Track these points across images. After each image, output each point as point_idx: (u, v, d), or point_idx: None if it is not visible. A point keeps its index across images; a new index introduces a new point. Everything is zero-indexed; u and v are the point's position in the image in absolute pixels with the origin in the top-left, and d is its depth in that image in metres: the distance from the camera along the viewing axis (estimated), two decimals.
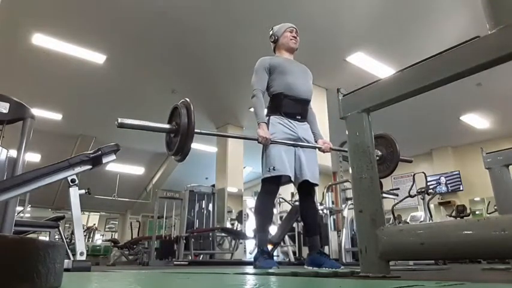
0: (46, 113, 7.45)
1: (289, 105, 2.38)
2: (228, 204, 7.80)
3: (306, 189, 2.41)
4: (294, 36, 2.58)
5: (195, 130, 1.59)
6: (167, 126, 1.66)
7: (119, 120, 1.49)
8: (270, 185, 2.31)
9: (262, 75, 2.44)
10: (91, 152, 2.10)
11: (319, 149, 2.42)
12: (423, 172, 5.89)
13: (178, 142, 1.58)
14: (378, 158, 2.21)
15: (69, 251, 2.65)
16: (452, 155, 9.99)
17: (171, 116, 1.70)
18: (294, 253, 5.56)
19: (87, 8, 4.70)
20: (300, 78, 2.48)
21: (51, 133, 8.45)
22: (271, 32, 2.64)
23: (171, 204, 6.63)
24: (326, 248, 4.82)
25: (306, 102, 2.47)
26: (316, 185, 2.42)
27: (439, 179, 9.71)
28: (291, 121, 2.37)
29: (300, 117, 2.43)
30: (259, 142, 2.23)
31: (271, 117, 2.39)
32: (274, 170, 2.25)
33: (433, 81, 1.00)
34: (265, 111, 2.44)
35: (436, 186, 8.67)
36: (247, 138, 2.48)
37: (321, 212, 4.97)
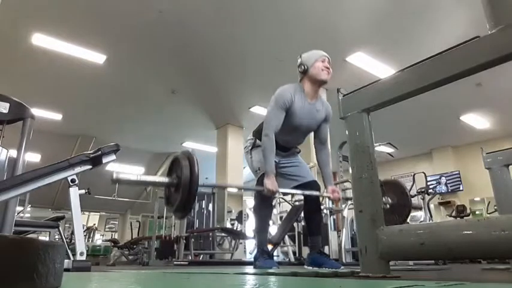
0: (46, 113, 7.45)
1: (278, 148, 2.35)
2: (228, 204, 7.80)
3: (310, 189, 2.42)
4: (326, 67, 2.31)
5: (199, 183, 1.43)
6: (167, 180, 1.48)
7: (114, 175, 1.39)
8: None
9: (281, 113, 2.24)
10: (91, 152, 2.10)
11: (328, 198, 2.40)
12: (423, 172, 5.89)
13: (180, 198, 1.40)
14: (388, 206, 2.15)
15: (69, 251, 2.64)
16: (452, 155, 9.99)
17: (171, 168, 1.53)
18: (294, 253, 5.56)
19: (87, 8, 4.70)
20: (302, 129, 2.38)
21: (51, 133, 8.45)
22: (299, 61, 2.37)
23: None
24: (326, 248, 4.82)
25: (291, 147, 2.48)
26: (317, 184, 2.44)
27: (440, 178, 9.71)
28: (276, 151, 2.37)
29: (284, 153, 2.45)
30: (264, 194, 2.20)
31: (258, 142, 2.40)
32: (259, 170, 2.31)
33: (433, 81, 1.00)
34: (250, 137, 2.49)
35: (435, 186, 8.68)
36: (254, 189, 2.40)
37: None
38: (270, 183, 2.17)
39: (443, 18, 4.94)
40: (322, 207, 4.98)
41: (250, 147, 2.46)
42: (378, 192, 1.14)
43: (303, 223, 5.22)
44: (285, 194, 2.58)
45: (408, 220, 6.25)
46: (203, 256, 6.35)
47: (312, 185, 2.42)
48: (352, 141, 1.19)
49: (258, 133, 2.41)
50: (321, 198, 2.51)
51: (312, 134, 2.52)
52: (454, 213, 7.23)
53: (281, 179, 2.41)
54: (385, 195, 2.09)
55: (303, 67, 2.32)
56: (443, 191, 9.54)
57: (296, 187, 2.46)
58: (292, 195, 6.11)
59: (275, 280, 1.08)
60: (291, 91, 2.28)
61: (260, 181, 2.28)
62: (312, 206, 2.44)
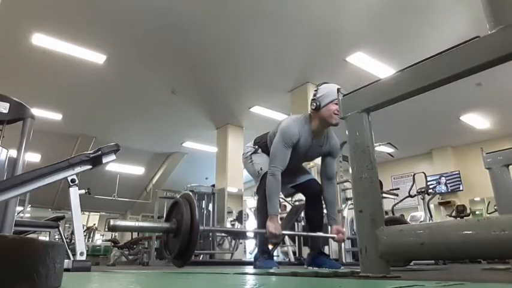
0: (46, 113, 7.46)
1: None
2: (228, 205, 7.80)
3: (312, 189, 2.42)
4: (338, 111, 2.33)
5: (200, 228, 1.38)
6: (166, 225, 1.43)
7: (111, 222, 1.35)
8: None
9: (287, 152, 2.21)
10: (91, 152, 2.10)
11: (333, 238, 2.35)
12: (423, 172, 5.89)
13: (180, 245, 1.35)
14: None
15: (69, 251, 2.64)
16: (452, 155, 9.99)
17: (170, 212, 1.49)
18: (294, 253, 5.56)
19: (87, 8, 4.70)
20: (300, 160, 2.38)
21: (51, 133, 8.45)
22: (315, 93, 2.29)
23: None
24: (326, 248, 4.81)
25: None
26: (317, 183, 2.45)
27: (439, 178, 9.71)
28: None
29: None
30: (266, 237, 2.17)
31: (260, 151, 2.41)
32: (261, 170, 2.31)
33: (433, 81, 1.00)
34: (251, 144, 2.50)
35: (435, 186, 8.68)
36: (256, 231, 2.35)
37: None
38: (273, 226, 2.10)
39: (443, 18, 4.94)
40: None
41: (250, 153, 2.45)
42: (378, 192, 1.14)
43: (303, 223, 5.22)
44: (285, 194, 2.55)
45: (408, 220, 6.25)
46: (203, 256, 6.35)
47: (311, 183, 2.42)
48: (352, 141, 1.19)
49: (261, 144, 2.42)
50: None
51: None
52: (454, 213, 7.23)
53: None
54: None
55: (315, 104, 2.23)
56: (443, 191, 9.54)
57: (295, 186, 2.46)
58: (292, 195, 6.11)
59: (275, 280, 1.08)
60: (298, 128, 2.23)
61: (262, 185, 2.27)
62: (313, 205, 2.44)
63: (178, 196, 1.44)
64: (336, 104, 2.21)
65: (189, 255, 1.36)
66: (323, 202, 2.43)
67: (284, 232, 2.15)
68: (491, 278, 1.47)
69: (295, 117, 2.30)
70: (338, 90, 1.30)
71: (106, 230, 13.09)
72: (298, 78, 6.36)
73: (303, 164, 2.54)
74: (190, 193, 1.43)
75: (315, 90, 2.30)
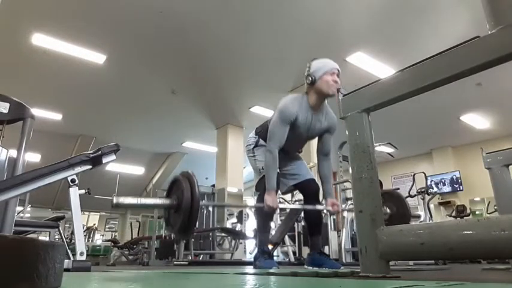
0: (46, 113, 7.46)
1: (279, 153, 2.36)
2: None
3: (310, 189, 2.42)
4: (335, 81, 2.20)
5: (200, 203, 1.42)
6: (167, 201, 1.47)
7: (114, 200, 1.40)
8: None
9: (285, 129, 2.21)
10: (91, 152, 2.10)
11: (328, 211, 2.39)
12: (423, 172, 5.89)
13: (181, 220, 1.40)
14: (386, 216, 2.15)
15: (69, 251, 2.65)
16: (452, 155, 9.99)
17: (170, 189, 1.53)
18: (294, 253, 5.56)
19: (87, 8, 4.70)
20: (301, 140, 2.39)
21: (51, 133, 8.45)
22: (308, 70, 2.27)
23: None
24: (326, 248, 4.82)
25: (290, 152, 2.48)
26: (315, 183, 2.45)
27: (442, 179, 9.71)
28: None
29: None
30: (265, 210, 2.20)
31: (261, 141, 2.41)
32: (263, 169, 2.31)
33: (433, 81, 1.00)
34: (253, 133, 2.49)
35: (439, 187, 8.69)
36: (254, 206, 2.40)
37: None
38: (271, 199, 2.15)
39: (443, 18, 4.94)
40: (322, 207, 5.01)
41: (252, 146, 2.45)
42: (378, 192, 1.14)
43: (303, 223, 5.22)
44: (283, 191, 2.55)
45: None
46: (203, 256, 6.35)
47: (311, 183, 2.42)
48: (352, 141, 1.19)
49: (262, 133, 2.41)
50: (321, 198, 2.51)
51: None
52: (454, 213, 7.23)
53: (280, 178, 2.42)
54: (384, 205, 2.09)
55: (310, 78, 2.22)
56: (446, 191, 9.54)
57: (294, 186, 2.46)
58: (292, 194, 6.12)
59: (275, 280, 1.08)
60: (295, 106, 2.23)
61: (262, 182, 2.28)
62: (312, 204, 2.44)
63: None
64: (332, 74, 2.21)
65: (191, 229, 1.44)
66: (320, 200, 2.45)
67: (281, 206, 2.19)
68: (491, 278, 1.47)
69: (293, 96, 2.30)
70: (338, 90, 1.30)
71: (106, 230, 13.15)
72: (298, 78, 6.34)
73: (303, 165, 2.52)
74: (190, 172, 1.47)
75: (308, 67, 2.29)
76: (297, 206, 2.33)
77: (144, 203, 1.46)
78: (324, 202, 2.44)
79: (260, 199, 2.38)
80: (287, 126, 2.21)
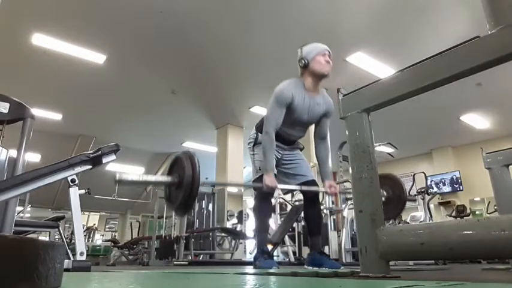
0: (46, 113, 7.45)
1: (280, 140, 2.37)
2: (228, 205, 7.79)
3: (310, 191, 2.42)
4: (327, 61, 2.28)
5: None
6: (168, 179, 1.52)
7: (117, 176, 1.42)
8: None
9: (281, 111, 2.24)
10: (91, 152, 2.10)
11: (326, 192, 2.42)
12: (423, 172, 5.89)
13: (182, 197, 1.43)
14: (383, 199, 2.16)
15: (69, 251, 2.64)
16: (452, 155, 9.99)
17: (172, 167, 1.57)
18: (294, 253, 5.56)
19: (87, 8, 4.70)
20: (303, 123, 2.38)
21: (51, 133, 8.45)
22: (299, 54, 2.33)
23: None
24: (326, 248, 4.81)
25: (294, 141, 2.48)
26: (316, 184, 2.45)
27: (442, 179, 9.71)
28: (278, 143, 2.39)
29: (287, 145, 2.45)
30: (263, 190, 2.22)
31: (260, 137, 2.39)
32: (260, 170, 2.31)
33: (433, 81, 1.00)
34: (254, 130, 2.49)
35: (439, 187, 8.68)
36: (252, 186, 2.42)
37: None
38: (269, 180, 2.18)
39: (443, 18, 4.94)
40: (322, 207, 5.01)
41: (253, 144, 2.45)
42: (378, 192, 1.14)
43: (303, 223, 5.22)
44: (284, 192, 2.57)
45: (408, 220, 6.26)
46: (203, 256, 6.35)
47: (310, 184, 2.42)
48: (352, 141, 1.19)
49: (260, 128, 2.41)
50: (321, 198, 2.51)
51: (312, 130, 2.54)
52: (454, 213, 7.24)
53: (282, 178, 2.42)
54: (381, 188, 2.11)
55: (303, 61, 2.28)
56: (446, 191, 9.54)
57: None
58: (293, 194, 6.13)
59: (275, 280, 1.08)
60: (291, 88, 2.26)
61: (258, 181, 2.29)
62: (311, 205, 2.44)
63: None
64: (323, 55, 2.28)
65: (190, 206, 1.50)
66: (320, 200, 2.45)
67: (279, 186, 2.22)
68: (491, 278, 1.47)
69: (288, 80, 2.34)
70: (338, 90, 1.30)
71: (106, 230, 13.16)
72: None
73: (304, 165, 2.51)
74: (191, 151, 1.52)
75: (299, 52, 2.34)
76: (294, 187, 2.34)
77: (146, 180, 1.50)
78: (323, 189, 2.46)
79: (257, 197, 2.38)
80: (283, 109, 2.24)
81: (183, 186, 1.43)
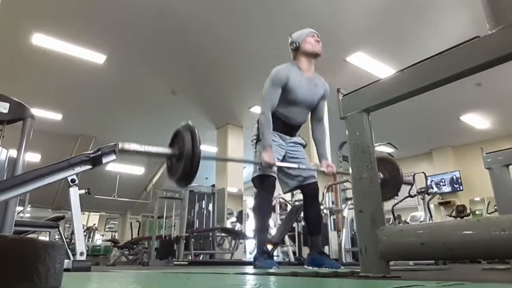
0: (46, 113, 7.46)
1: (279, 127, 2.39)
2: (228, 204, 7.80)
3: (310, 190, 2.42)
4: (317, 41, 2.43)
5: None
6: (169, 151, 1.55)
7: (120, 145, 1.46)
8: (263, 183, 2.33)
9: (276, 91, 2.31)
10: (91, 152, 2.09)
11: (323, 172, 2.44)
12: (423, 172, 5.88)
13: (182, 169, 1.46)
14: (379, 181, 2.18)
15: (69, 251, 2.64)
16: (452, 155, 9.99)
17: (173, 139, 1.60)
18: (294, 253, 5.56)
19: (87, 8, 4.70)
20: (303, 106, 2.39)
21: (51, 133, 8.45)
22: (290, 40, 2.47)
23: (171, 204, 6.63)
24: (326, 248, 4.81)
25: (298, 127, 2.49)
26: (317, 185, 2.44)
27: (442, 179, 9.71)
28: (281, 135, 2.41)
29: (289, 136, 2.46)
30: (261, 166, 2.24)
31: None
32: (259, 169, 2.31)
33: (433, 81, 1.00)
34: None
35: (440, 187, 8.67)
36: (251, 162, 2.43)
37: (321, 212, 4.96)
38: (267, 156, 2.21)
39: (443, 18, 4.94)
40: (322, 207, 5.01)
41: (255, 140, 2.45)
42: (378, 192, 1.14)
43: (303, 223, 5.22)
44: (284, 191, 2.56)
45: (408, 220, 6.26)
46: (203, 256, 6.35)
47: (311, 185, 2.41)
48: (352, 141, 1.19)
49: None
50: (320, 198, 2.51)
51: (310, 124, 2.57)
52: (454, 213, 7.24)
53: (283, 178, 2.41)
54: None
55: (294, 45, 2.42)
56: (446, 191, 9.54)
57: (297, 188, 2.46)
58: (292, 194, 6.13)
59: (275, 280, 1.08)
60: (286, 69, 2.35)
61: (259, 179, 2.30)
62: (311, 205, 2.44)
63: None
64: (312, 36, 2.43)
65: (191, 178, 1.51)
66: (319, 200, 2.45)
67: (278, 164, 2.22)
68: (491, 278, 1.47)
69: (283, 64, 2.45)
70: (338, 90, 1.30)
71: (106, 230, 13.16)
72: None
73: (306, 163, 2.50)
74: (191, 123, 1.54)
75: (290, 39, 2.49)
76: (292, 164, 2.34)
77: (148, 150, 1.51)
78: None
79: (257, 197, 2.38)
80: (278, 89, 2.30)
81: (183, 158, 1.46)
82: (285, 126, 2.41)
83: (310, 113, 2.49)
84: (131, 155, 1.48)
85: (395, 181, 2.28)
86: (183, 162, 1.46)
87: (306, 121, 2.52)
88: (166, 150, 1.56)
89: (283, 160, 2.40)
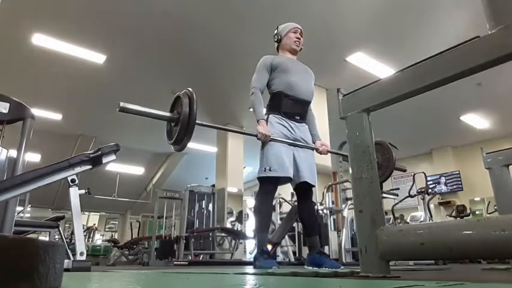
0: (46, 113, 7.45)
1: (289, 105, 2.38)
2: (228, 205, 7.80)
3: (303, 190, 2.41)
4: (297, 38, 2.53)
5: (197, 121, 1.56)
6: (168, 114, 1.63)
7: (121, 104, 1.49)
8: (267, 184, 2.31)
9: (263, 74, 2.42)
10: (91, 152, 2.10)
11: (317, 150, 2.45)
12: (423, 172, 5.89)
13: (178, 132, 1.55)
14: None
15: (69, 251, 2.64)
16: (452, 155, 9.99)
17: (173, 105, 1.68)
18: (294, 253, 5.56)
19: (87, 8, 4.70)
20: (302, 78, 2.46)
21: (51, 133, 8.45)
22: (275, 31, 2.59)
23: (171, 204, 6.64)
24: (326, 248, 4.82)
25: (306, 103, 2.47)
26: (314, 186, 2.42)
27: (439, 178, 9.71)
28: (290, 122, 2.38)
29: (299, 118, 2.43)
30: (258, 138, 2.25)
31: (270, 116, 2.39)
32: (270, 170, 2.25)
33: (433, 81, 1.00)
34: (264, 110, 2.44)
35: (435, 186, 8.67)
36: (247, 133, 2.49)
37: (321, 212, 4.97)
38: (262, 128, 2.24)
39: (443, 18, 4.94)
40: (322, 207, 5.01)
41: (262, 144, 2.41)
42: (378, 192, 1.14)
43: None
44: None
45: (408, 220, 6.26)
46: (203, 256, 6.35)
47: (305, 186, 2.38)
48: (352, 141, 1.19)
49: (271, 105, 2.43)
50: (320, 198, 2.51)
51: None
52: (454, 213, 7.24)
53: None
54: None
55: (277, 37, 2.56)
56: (443, 191, 9.54)
57: (290, 180, 2.41)
58: (292, 194, 6.13)
59: (275, 280, 1.08)
60: (270, 57, 2.48)
61: (264, 180, 2.29)
62: (304, 203, 2.43)
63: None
64: (294, 32, 2.53)
65: (186, 142, 1.58)
66: (320, 200, 2.44)
67: (272, 137, 2.24)
68: (491, 278, 1.47)
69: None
70: (338, 90, 1.30)
71: (106, 230, 13.16)
72: None
73: (309, 162, 2.47)
74: (191, 89, 1.62)
75: (275, 30, 2.60)
76: (289, 141, 2.35)
77: (148, 112, 1.57)
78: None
79: (258, 197, 2.37)
80: (266, 73, 2.41)
81: (180, 121, 1.53)
82: (292, 104, 2.38)
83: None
84: (132, 114, 1.52)
85: (388, 164, 2.30)
86: (180, 124, 1.54)
87: (312, 94, 2.51)
88: (165, 113, 1.65)
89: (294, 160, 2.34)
